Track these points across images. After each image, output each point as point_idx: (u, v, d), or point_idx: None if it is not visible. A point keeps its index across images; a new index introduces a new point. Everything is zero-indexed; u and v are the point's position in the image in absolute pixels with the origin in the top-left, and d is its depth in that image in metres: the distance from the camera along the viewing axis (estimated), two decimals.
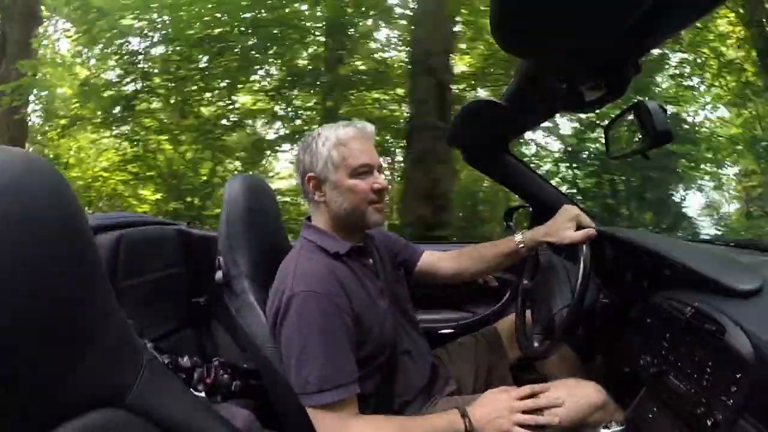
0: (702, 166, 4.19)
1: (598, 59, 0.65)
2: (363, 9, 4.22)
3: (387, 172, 5.02)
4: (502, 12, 0.53)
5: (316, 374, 0.74)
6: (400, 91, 4.29)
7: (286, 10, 4.12)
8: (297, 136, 4.25)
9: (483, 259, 1.08)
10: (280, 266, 0.87)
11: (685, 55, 4.14)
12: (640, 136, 0.86)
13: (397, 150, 4.62)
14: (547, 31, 0.57)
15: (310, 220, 0.93)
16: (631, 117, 0.89)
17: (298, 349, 0.76)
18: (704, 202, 4.54)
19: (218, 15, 4.07)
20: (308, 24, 4.27)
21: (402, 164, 4.51)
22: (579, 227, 0.94)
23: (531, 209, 1.46)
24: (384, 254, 1.02)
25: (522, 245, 1.01)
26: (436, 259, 1.11)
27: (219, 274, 0.97)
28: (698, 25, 3.55)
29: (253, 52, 4.23)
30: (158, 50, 4.34)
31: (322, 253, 0.86)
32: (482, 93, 4.20)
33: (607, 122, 1.04)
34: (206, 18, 4.05)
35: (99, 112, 4.39)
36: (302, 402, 0.76)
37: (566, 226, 0.94)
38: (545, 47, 0.63)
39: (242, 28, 4.07)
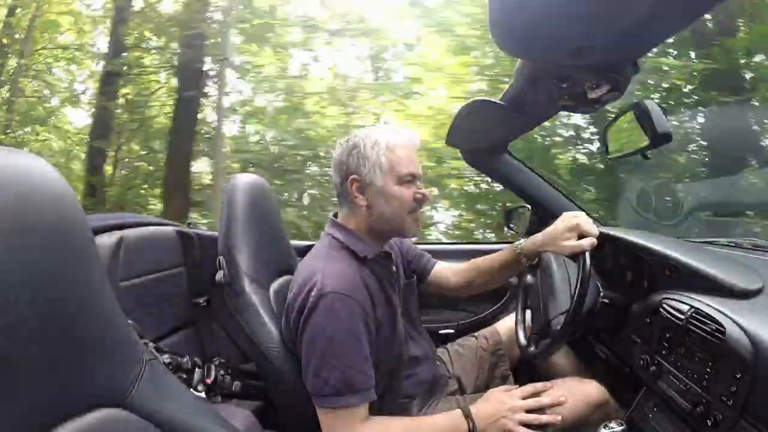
0: None
1: (597, 59, 0.65)
2: None
3: None
4: (501, 12, 0.53)
5: (336, 377, 0.73)
6: None
7: None
8: None
9: (488, 271, 1.07)
10: (303, 261, 0.87)
11: None
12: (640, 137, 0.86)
13: None
14: (546, 31, 0.57)
15: (336, 216, 0.92)
16: (630, 117, 0.89)
17: (321, 349, 0.75)
18: None
19: None
20: None
21: None
22: (580, 236, 0.89)
23: (531, 210, 1.46)
24: (398, 261, 1.02)
25: (521, 254, 1.00)
26: (446, 271, 1.12)
27: (219, 274, 0.96)
28: None
29: None
30: None
31: (350, 254, 0.85)
32: None
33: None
34: None
35: None
36: (315, 402, 0.76)
37: (565, 236, 0.89)
38: (544, 47, 0.63)
39: None
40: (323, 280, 0.77)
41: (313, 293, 0.76)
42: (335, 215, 0.92)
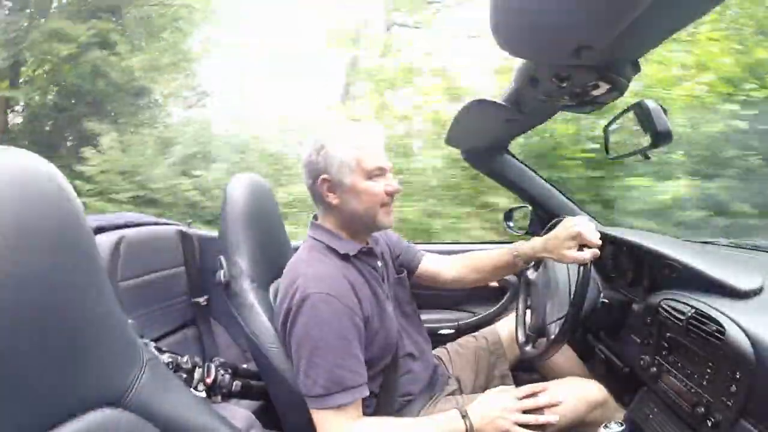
0: None
1: (597, 59, 0.65)
2: None
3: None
4: (501, 12, 0.53)
5: (324, 376, 0.74)
6: None
7: None
8: None
9: (480, 269, 1.06)
10: (288, 265, 0.87)
11: None
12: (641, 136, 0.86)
13: None
14: (546, 31, 0.57)
15: (316, 219, 0.92)
16: (631, 116, 0.89)
17: (309, 350, 0.75)
18: None
19: None
20: None
21: None
22: (582, 245, 0.85)
23: (531, 210, 1.46)
24: (387, 256, 1.01)
25: (518, 258, 0.98)
26: (436, 264, 1.11)
27: (219, 274, 0.96)
28: None
29: None
30: None
31: (332, 253, 0.85)
32: None
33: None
34: None
35: None
36: (308, 404, 0.76)
37: (566, 245, 0.85)
38: (544, 47, 0.63)
39: None
40: (306, 283, 0.77)
41: (296, 296, 0.77)
42: (315, 217, 0.93)
